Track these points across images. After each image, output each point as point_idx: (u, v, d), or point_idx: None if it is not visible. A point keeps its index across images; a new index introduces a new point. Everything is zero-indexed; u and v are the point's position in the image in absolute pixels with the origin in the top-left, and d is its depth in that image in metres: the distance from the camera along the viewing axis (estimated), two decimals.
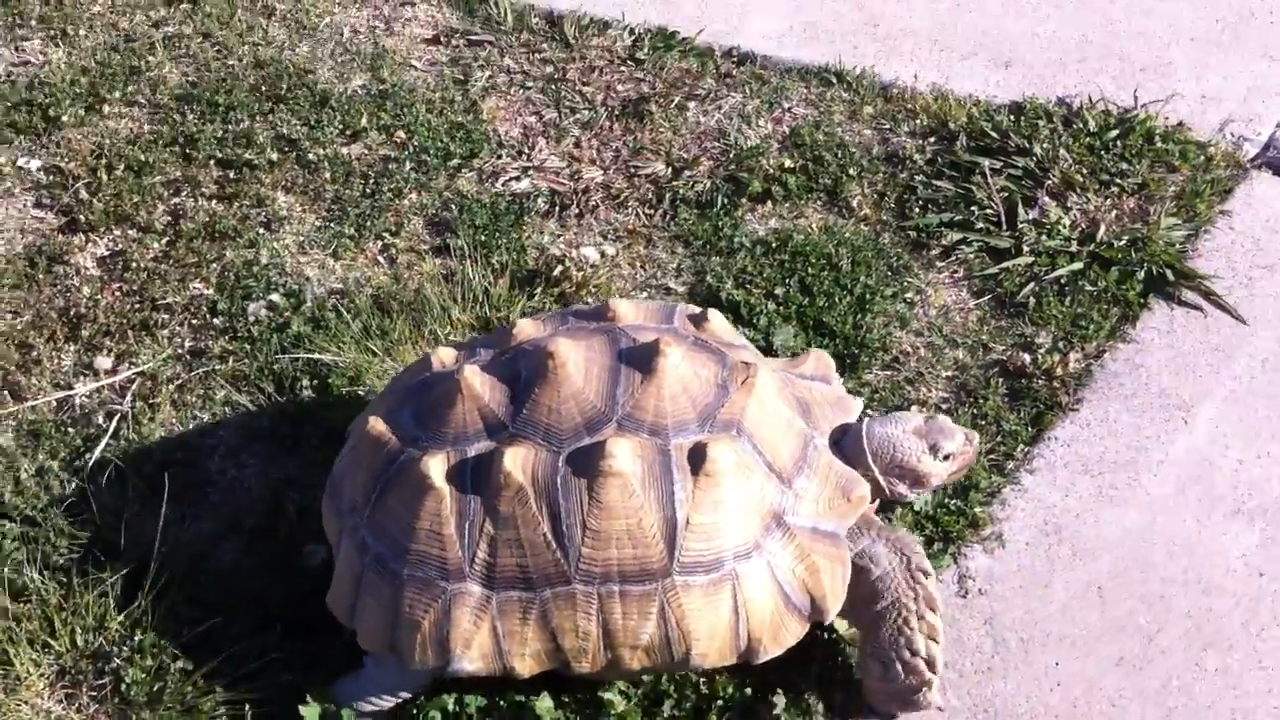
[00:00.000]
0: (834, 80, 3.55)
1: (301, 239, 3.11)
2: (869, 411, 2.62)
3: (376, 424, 2.17)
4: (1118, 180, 3.18)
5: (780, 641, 2.09)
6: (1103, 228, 3.05)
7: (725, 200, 3.22)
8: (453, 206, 3.19)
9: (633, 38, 3.71)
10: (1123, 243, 3.02)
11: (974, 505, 2.54)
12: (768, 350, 2.76)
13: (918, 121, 3.41)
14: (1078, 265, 2.99)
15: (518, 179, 3.29)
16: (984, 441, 2.63)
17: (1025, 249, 3.04)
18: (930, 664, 2.14)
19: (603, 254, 3.06)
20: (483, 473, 2.05)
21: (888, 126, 3.41)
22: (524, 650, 2.06)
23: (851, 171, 3.26)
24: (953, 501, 2.54)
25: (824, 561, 2.10)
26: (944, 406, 2.73)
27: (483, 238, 3.08)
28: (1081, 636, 2.36)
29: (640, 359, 2.09)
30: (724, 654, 2.07)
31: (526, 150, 3.37)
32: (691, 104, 3.50)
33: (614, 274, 3.05)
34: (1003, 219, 3.11)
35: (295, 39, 3.72)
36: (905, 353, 2.86)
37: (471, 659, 2.06)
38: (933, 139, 3.36)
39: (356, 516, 2.16)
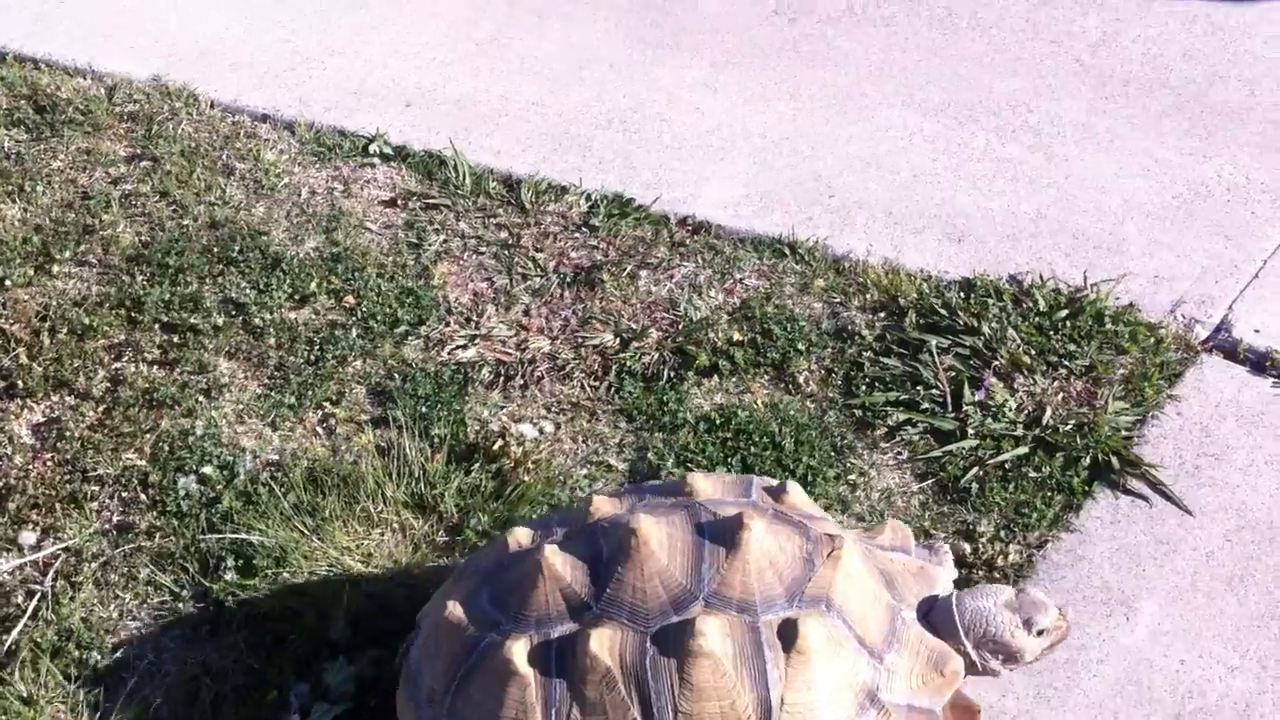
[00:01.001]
0: (787, 252, 3.55)
1: (241, 407, 3.09)
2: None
3: (454, 609, 2.14)
4: (1066, 362, 3.16)
5: None
6: (1049, 411, 3.03)
7: (672, 373, 3.20)
8: (396, 375, 3.17)
9: (589, 204, 3.73)
10: (1069, 427, 3.00)
11: None
12: None
13: (868, 296, 3.41)
14: (1023, 450, 2.96)
15: (464, 347, 3.27)
16: None
17: (970, 431, 3.01)
18: None
19: (541, 431, 3.03)
20: (568, 656, 2.01)
21: (838, 300, 3.41)
22: None
23: (800, 346, 3.25)
24: None
25: None
26: None
27: (423, 409, 3.06)
28: None
29: (724, 534, 2.07)
30: None
31: (475, 318, 3.36)
32: (644, 272, 3.50)
33: (555, 449, 3.02)
34: (949, 399, 3.09)
35: (253, 199, 3.73)
36: None
37: None
38: (882, 314, 3.35)
39: (436, 707, 2.11)
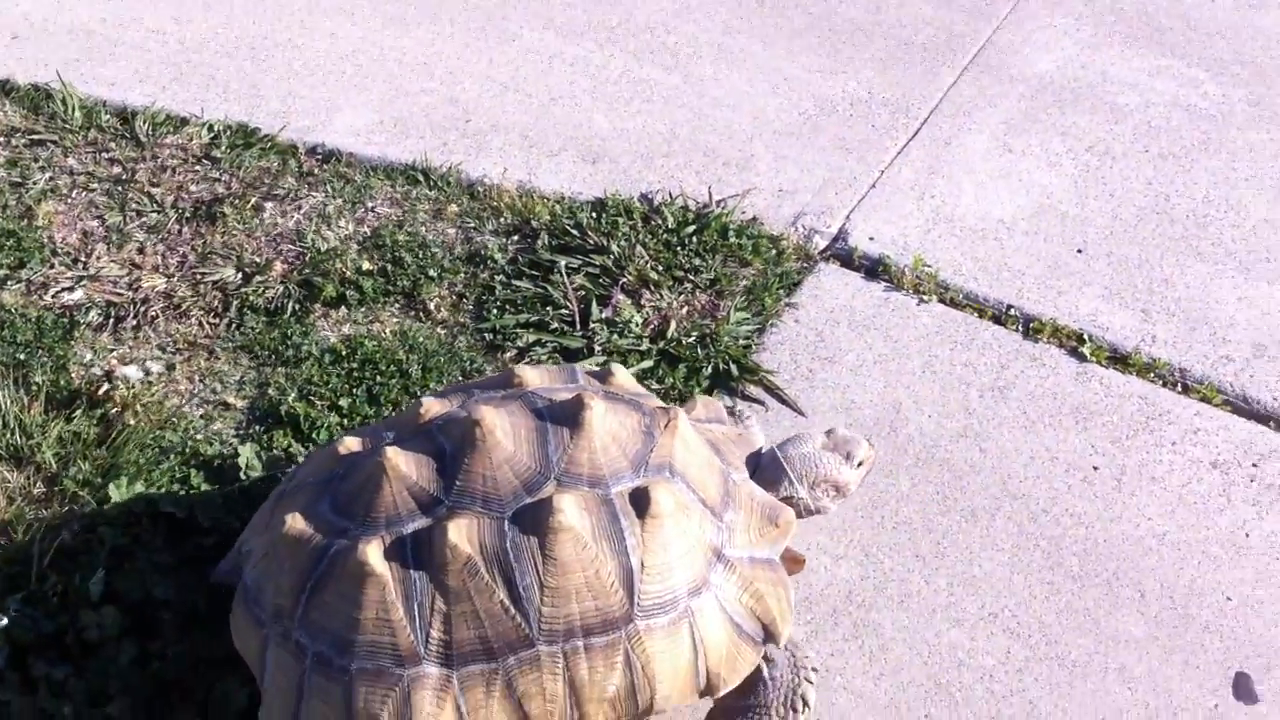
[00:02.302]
0: (421, 178, 3.48)
1: None
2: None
3: (295, 521, 2.05)
4: (691, 276, 3.22)
5: (738, 671, 2.12)
6: (673, 325, 3.08)
7: (297, 306, 3.09)
8: None
9: (211, 135, 3.55)
10: (692, 339, 3.05)
11: None
12: None
13: (502, 220, 3.38)
14: (648, 364, 3.00)
15: (70, 289, 3.07)
16: None
17: (598, 349, 3.03)
18: None
19: (148, 372, 2.88)
20: (425, 550, 1.97)
21: (472, 225, 3.36)
22: None
23: (431, 273, 3.19)
24: None
25: (767, 587, 2.15)
26: None
27: (22, 356, 2.86)
28: None
29: (565, 416, 2.09)
30: (685, 693, 2.08)
31: (84, 258, 3.16)
32: (269, 204, 3.37)
33: (169, 390, 2.88)
34: (577, 318, 3.10)
35: None
36: None
37: None
38: (515, 237, 3.33)
39: (285, 621, 2.02)
